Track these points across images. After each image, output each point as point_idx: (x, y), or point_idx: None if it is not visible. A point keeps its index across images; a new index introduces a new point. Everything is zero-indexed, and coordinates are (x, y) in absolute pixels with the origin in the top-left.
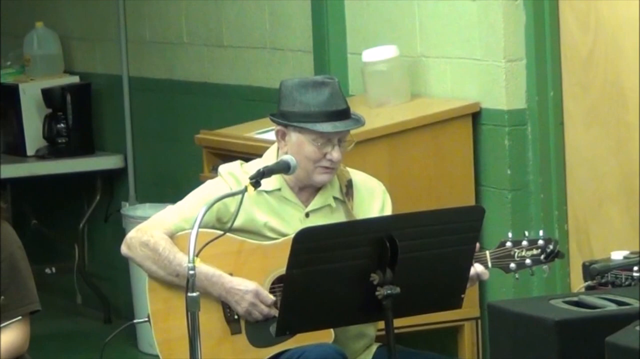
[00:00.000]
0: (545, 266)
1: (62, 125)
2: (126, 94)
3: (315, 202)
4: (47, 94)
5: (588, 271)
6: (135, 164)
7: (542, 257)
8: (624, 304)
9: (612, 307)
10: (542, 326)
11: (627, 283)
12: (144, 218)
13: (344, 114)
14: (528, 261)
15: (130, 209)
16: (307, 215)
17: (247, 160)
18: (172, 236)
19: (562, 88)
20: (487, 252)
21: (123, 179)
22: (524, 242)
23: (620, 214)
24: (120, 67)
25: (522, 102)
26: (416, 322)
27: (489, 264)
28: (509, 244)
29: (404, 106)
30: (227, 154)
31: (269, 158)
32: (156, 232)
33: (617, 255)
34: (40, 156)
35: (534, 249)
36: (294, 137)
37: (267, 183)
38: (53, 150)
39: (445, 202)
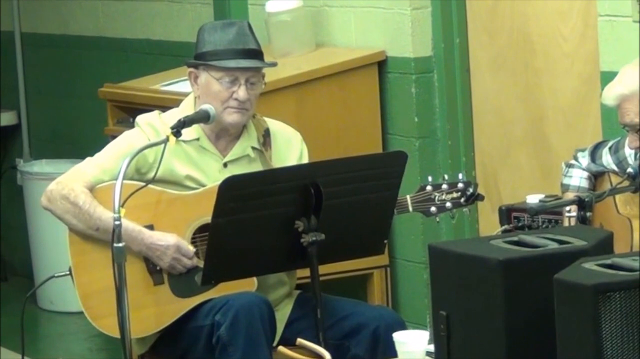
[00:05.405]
0: (465, 209)
1: None
2: (18, 50)
3: (234, 153)
4: None
5: (504, 214)
6: (29, 120)
7: (462, 200)
8: (565, 243)
9: (554, 246)
10: (486, 265)
11: (544, 225)
12: (42, 174)
13: (251, 54)
14: (448, 204)
15: (26, 166)
16: (225, 165)
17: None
18: (91, 188)
19: (468, 35)
20: (408, 197)
21: (17, 135)
22: (444, 186)
23: (528, 160)
24: (12, 23)
25: (428, 50)
26: (327, 271)
27: (410, 209)
28: (429, 188)
29: (309, 55)
30: (133, 107)
31: (187, 108)
32: (76, 185)
33: (533, 199)
34: None
35: (454, 192)
36: (203, 77)
37: (186, 133)
38: None
39: (353, 151)
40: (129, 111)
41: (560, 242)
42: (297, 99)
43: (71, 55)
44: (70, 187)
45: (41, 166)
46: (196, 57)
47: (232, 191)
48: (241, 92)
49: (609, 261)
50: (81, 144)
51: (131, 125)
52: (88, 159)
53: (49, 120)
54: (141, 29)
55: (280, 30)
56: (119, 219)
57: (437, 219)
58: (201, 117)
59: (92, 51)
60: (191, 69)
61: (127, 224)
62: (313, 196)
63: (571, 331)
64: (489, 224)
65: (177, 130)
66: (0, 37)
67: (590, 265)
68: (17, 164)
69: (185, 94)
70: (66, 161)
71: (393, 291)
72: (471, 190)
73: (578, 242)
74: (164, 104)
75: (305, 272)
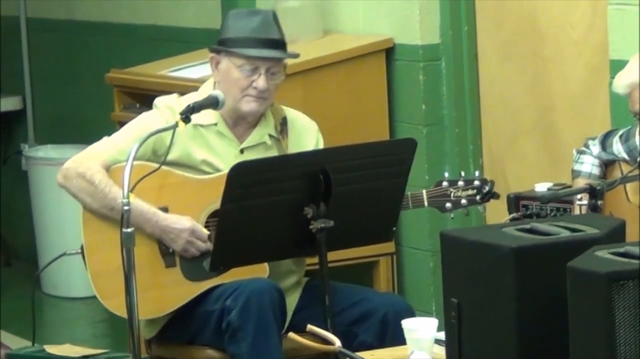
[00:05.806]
0: (480, 206)
1: None
2: (24, 35)
3: (251, 139)
4: None
5: (513, 202)
6: (34, 105)
7: (477, 197)
8: (578, 231)
9: (566, 234)
10: (498, 253)
11: (552, 214)
12: (47, 159)
13: (274, 44)
14: (464, 200)
15: (31, 151)
16: (241, 151)
17: None
18: (108, 168)
19: (476, 22)
20: (424, 191)
21: (22, 121)
22: (460, 183)
23: (536, 148)
24: (17, 8)
25: (436, 37)
26: (333, 258)
27: (425, 203)
28: (445, 183)
29: (316, 42)
30: (139, 93)
31: (206, 92)
32: (93, 164)
33: (541, 187)
34: None
35: (470, 190)
36: (223, 63)
37: (204, 117)
38: None
39: (361, 138)
40: (136, 97)
41: (573, 230)
42: (305, 86)
43: (77, 40)
44: (87, 165)
45: (46, 151)
46: (219, 43)
47: (241, 177)
48: (261, 82)
49: (622, 250)
50: (87, 129)
51: (138, 111)
52: (105, 138)
53: (54, 105)
54: (147, 15)
55: (288, 17)
56: (127, 204)
57: (452, 215)
58: (210, 103)
59: (98, 36)
60: (213, 54)
61: (142, 206)
62: (322, 182)
63: (584, 319)
64: (496, 212)
65: (186, 115)
66: (5, 22)
67: (603, 253)
68: (22, 149)
69: (193, 80)
70: (71, 147)
71: (399, 279)
72: (487, 188)
73: (591, 231)
74: (171, 90)
75: (313, 259)
